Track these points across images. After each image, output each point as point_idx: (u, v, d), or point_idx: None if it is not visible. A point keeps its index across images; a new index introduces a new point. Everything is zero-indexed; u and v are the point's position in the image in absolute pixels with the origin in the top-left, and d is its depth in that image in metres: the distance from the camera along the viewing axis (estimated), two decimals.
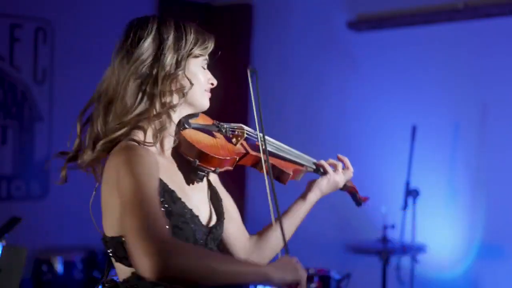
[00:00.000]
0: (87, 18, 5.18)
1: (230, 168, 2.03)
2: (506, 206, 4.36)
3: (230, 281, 1.71)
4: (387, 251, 4.19)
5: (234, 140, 2.10)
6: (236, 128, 2.13)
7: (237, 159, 2.05)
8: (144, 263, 1.60)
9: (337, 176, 2.27)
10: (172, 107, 1.92)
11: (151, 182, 1.76)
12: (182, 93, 1.94)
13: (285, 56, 5.37)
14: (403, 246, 4.28)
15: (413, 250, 4.34)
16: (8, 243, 2.92)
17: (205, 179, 2.04)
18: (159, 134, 1.90)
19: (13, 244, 2.90)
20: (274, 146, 2.19)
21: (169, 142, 1.97)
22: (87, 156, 1.92)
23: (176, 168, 1.98)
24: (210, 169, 1.99)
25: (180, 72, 1.94)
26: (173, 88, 1.93)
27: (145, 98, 1.90)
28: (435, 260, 4.52)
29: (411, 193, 4.39)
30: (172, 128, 1.95)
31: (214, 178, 2.11)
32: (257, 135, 2.08)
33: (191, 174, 1.99)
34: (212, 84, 2.03)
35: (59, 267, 4.70)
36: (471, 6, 4.45)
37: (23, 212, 4.12)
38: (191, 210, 1.91)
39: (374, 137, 4.85)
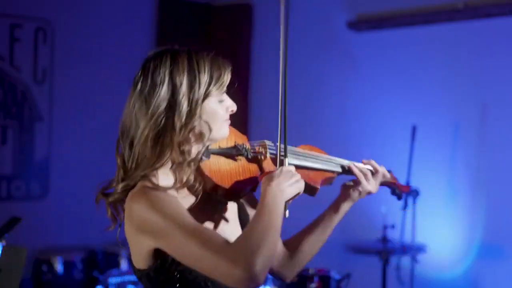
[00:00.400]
0: (87, 18, 5.18)
1: (253, 191, 1.98)
2: (506, 206, 4.36)
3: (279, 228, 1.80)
4: (387, 251, 4.19)
5: (258, 158, 2.02)
6: (258, 146, 2.03)
7: (259, 182, 1.98)
8: (240, 279, 1.70)
9: (369, 186, 2.17)
10: (194, 160, 1.89)
11: (182, 213, 1.81)
12: (203, 142, 1.90)
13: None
14: (403, 246, 4.28)
15: (413, 250, 4.34)
16: (8, 243, 2.92)
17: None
18: (180, 185, 1.88)
19: (13, 244, 2.90)
20: (300, 156, 2.10)
21: (187, 177, 1.92)
22: (112, 197, 1.92)
23: (198, 201, 1.93)
24: (231, 201, 1.95)
25: (196, 122, 1.89)
26: (192, 137, 1.88)
27: (165, 150, 1.87)
28: (435, 260, 4.52)
29: (411, 193, 4.39)
30: (191, 165, 1.92)
31: None
32: (280, 149, 1.98)
33: (213, 203, 1.95)
34: (232, 111, 1.97)
35: (59, 267, 4.70)
36: (471, 6, 4.45)
37: (23, 212, 4.12)
38: None
39: (374, 137, 4.85)
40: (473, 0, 4.46)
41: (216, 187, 1.89)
